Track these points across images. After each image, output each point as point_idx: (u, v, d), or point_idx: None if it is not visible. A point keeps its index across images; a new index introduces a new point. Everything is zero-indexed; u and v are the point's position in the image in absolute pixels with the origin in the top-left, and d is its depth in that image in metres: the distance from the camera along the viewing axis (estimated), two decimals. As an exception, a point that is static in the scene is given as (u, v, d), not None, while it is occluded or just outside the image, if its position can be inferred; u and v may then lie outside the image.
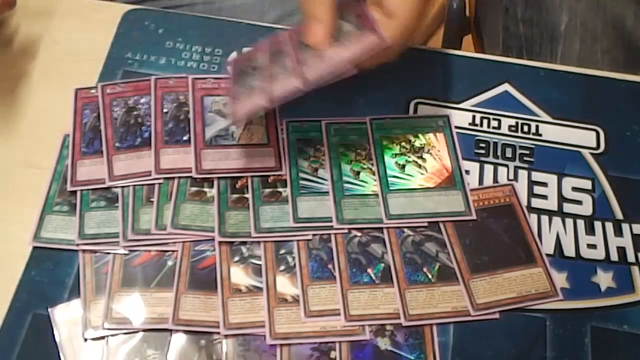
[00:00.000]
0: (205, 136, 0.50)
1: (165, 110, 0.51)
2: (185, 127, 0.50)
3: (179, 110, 0.51)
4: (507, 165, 0.51)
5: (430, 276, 0.46)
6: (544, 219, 0.49)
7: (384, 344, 0.44)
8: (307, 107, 0.52)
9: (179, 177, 0.48)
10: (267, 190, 0.48)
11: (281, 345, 0.43)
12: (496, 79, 0.55)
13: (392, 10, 0.44)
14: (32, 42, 0.55)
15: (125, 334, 0.43)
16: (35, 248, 0.46)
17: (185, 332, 0.43)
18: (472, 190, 0.49)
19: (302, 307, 0.44)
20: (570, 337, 0.44)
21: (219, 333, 0.43)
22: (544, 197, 0.50)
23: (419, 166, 0.50)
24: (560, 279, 0.46)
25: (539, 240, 0.47)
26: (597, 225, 0.49)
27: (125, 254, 0.46)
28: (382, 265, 0.46)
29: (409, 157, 0.50)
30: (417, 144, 0.51)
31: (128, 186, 0.48)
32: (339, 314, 0.44)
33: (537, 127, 0.53)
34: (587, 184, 0.50)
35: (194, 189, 0.48)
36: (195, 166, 0.49)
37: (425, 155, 0.50)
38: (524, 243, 0.47)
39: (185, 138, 0.50)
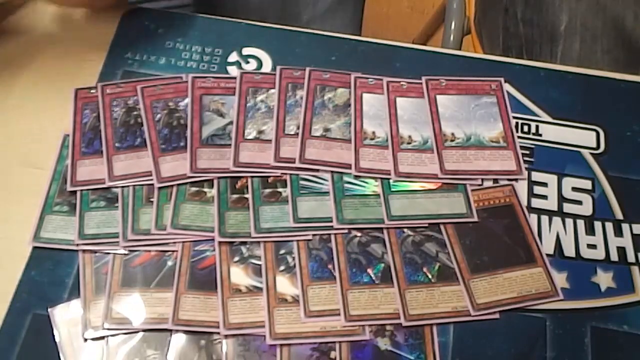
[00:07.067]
0: (202, 135, 0.50)
1: (157, 119, 0.51)
2: (180, 133, 0.50)
3: (170, 117, 0.51)
4: (507, 165, 0.51)
5: (430, 276, 0.46)
6: (544, 219, 0.49)
7: (384, 344, 0.43)
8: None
9: (179, 185, 0.48)
10: (267, 191, 0.48)
11: (281, 345, 0.43)
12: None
13: None
14: (32, 42, 0.55)
15: (125, 334, 0.43)
16: (35, 248, 0.46)
17: (185, 332, 0.43)
18: (472, 190, 0.49)
19: (302, 307, 0.44)
20: (570, 337, 0.44)
21: (218, 333, 0.43)
22: (544, 197, 0.50)
23: (420, 166, 0.50)
24: (561, 279, 0.46)
25: (539, 240, 0.47)
26: (597, 225, 0.49)
27: (125, 254, 0.46)
28: (382, 265, 0.46)
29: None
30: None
31: (128, 186, 0.48)
32: (339, 314, 0.44)
33: (537, 127, 0.53)
34: (587, 184, 0.50)
35: (193, 189, 0.48)
36: (191, 165, 0.48)
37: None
38: (524, 243, 0.47)
39: (182, 144, 0.50)
